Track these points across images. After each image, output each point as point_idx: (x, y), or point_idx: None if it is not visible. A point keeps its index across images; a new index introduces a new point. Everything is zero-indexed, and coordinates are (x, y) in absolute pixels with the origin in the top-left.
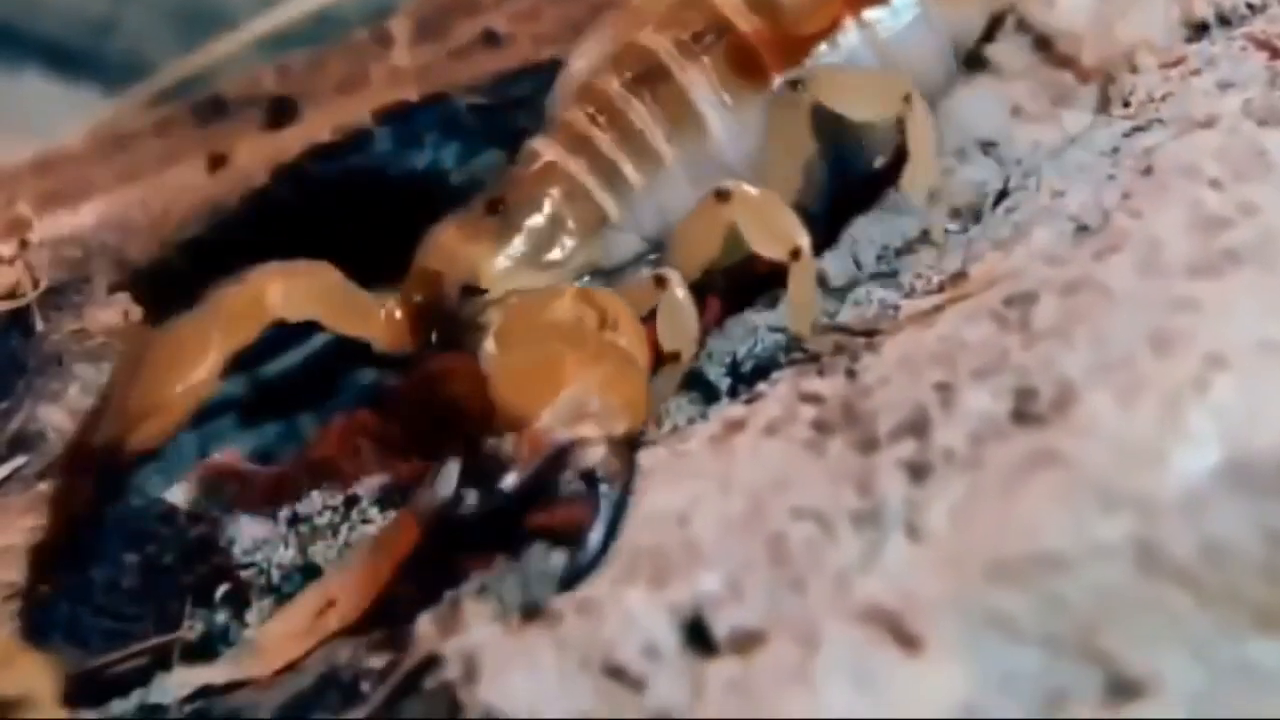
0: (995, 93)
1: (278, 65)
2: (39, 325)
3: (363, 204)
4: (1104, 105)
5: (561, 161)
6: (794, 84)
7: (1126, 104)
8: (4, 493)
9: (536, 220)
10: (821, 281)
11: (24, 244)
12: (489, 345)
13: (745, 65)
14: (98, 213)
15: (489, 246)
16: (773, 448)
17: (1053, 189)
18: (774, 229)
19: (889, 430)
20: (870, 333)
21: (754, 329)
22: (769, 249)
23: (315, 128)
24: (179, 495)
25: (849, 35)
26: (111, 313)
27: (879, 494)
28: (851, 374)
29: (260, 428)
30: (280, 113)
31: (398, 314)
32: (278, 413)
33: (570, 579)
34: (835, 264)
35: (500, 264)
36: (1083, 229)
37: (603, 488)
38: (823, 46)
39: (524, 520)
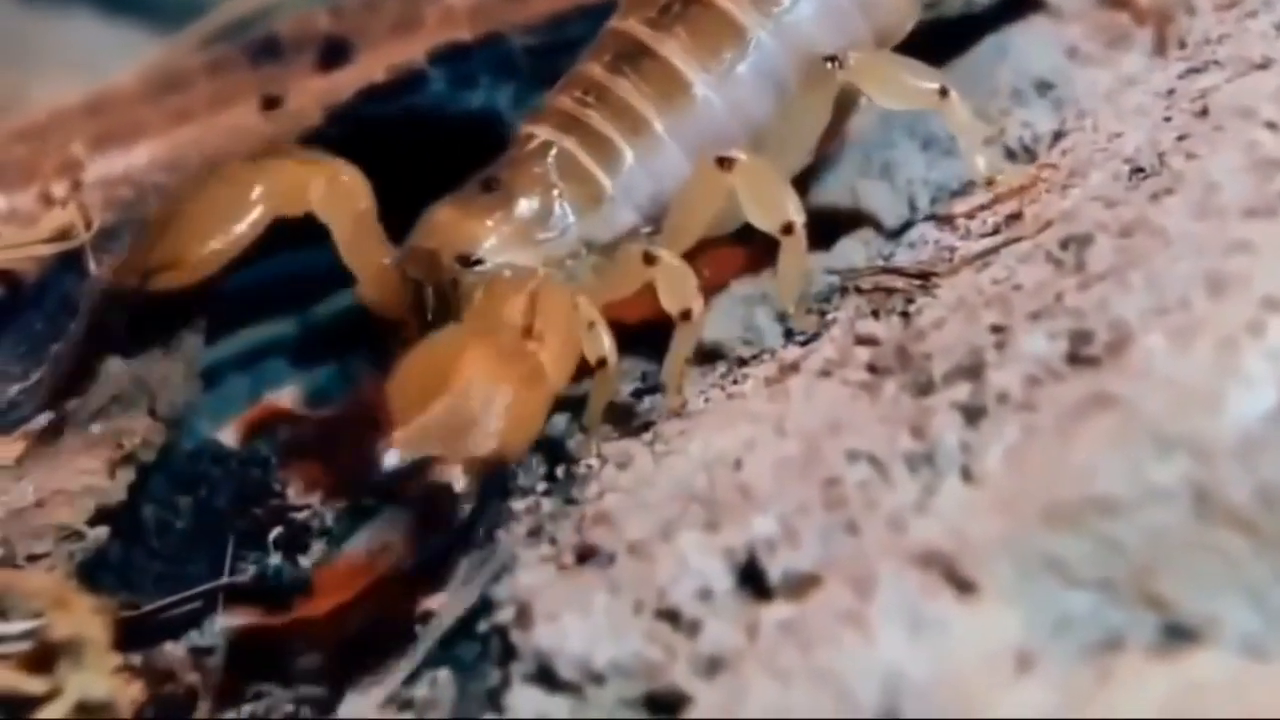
0: (1052, 34)
1: (332, 5)
2: (92, 267)
3: (417, 145)
4: (1160, 47)
5: (555, 140)
6: (831, 60)
7: (1183, 46)
8: (58, 435)
9: (532, 196)
10: (875, 223)
11: (77, 185)
12: (478, 303)
13: (717, 25)
14: (150, 153)
15: (484, 221)
16: (827, 390)
17: (1109, 131)
18: (770, 201)
19: (944, 373)
20: (925, 275)
21: (811, 270)
22: (762, 220)
23: (369, 69)
24: (231, 437)
25: None
26: None
27: (933, 437)
28: (906, 316)
29: (313, 370)
30: (334, 53)
31: (396, 278)
32: (330, 355)
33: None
34: (890, 206)
35: (495, 237)
36: (1138, 171)
37: (444, 510)
38: None
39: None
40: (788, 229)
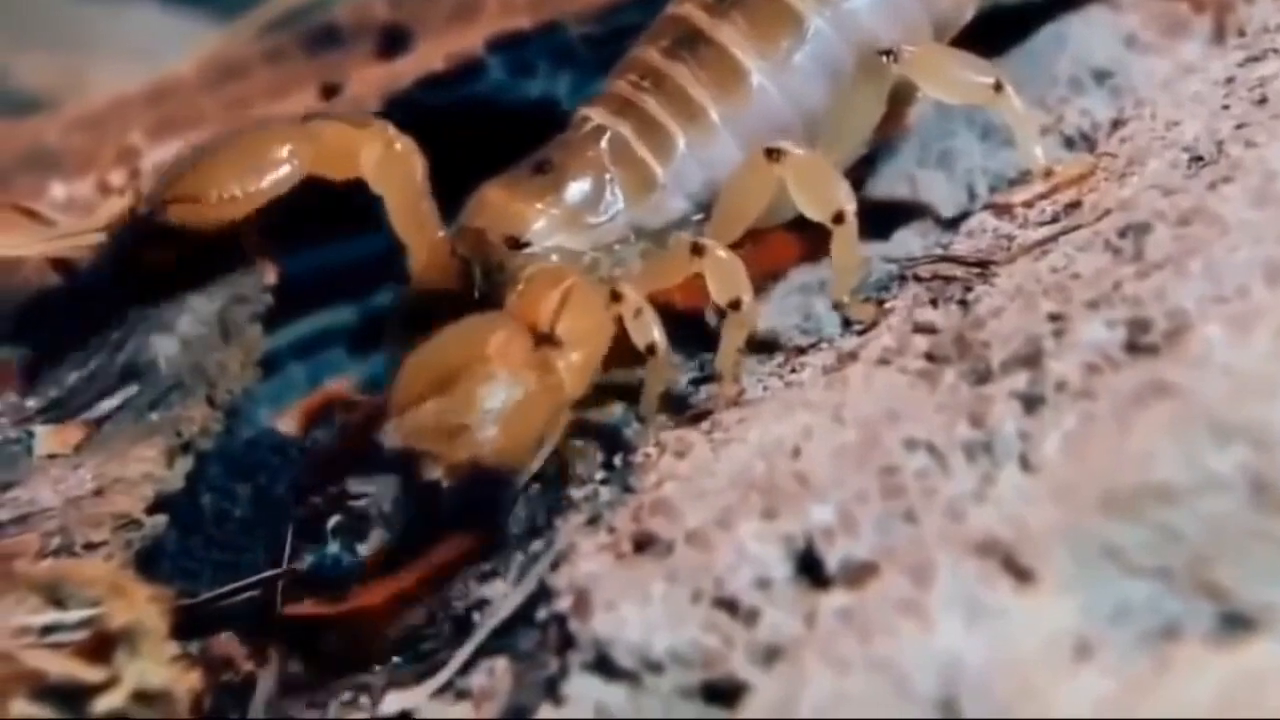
0: (1110, 23)
1: None
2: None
3: (475, 134)
4: (1219, 35)
5: (609, 124)
6: (885, 54)
7: (1241, 33)
8: (116, 422)
9: (583, 180)
10: (934, 212)
11: (135, 173)
12: (511, 298)
13: (775, 12)
14: None
15: (534, 204)
16: (885, 378)
17: (1167, 119)
18: (820, 191)
19: (1002, 361)
20: (983, 263)
21: (866, 259)
22: (813, 210)
23: (428, 57)
24: (290, 425)
25: None
26: None
27: (992, 425)
28: (965, 305)
29: (371, 358)
30: (393, 42)
31: (446, 254)
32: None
33: None
34: (948, 195)
35: (544, 220)
36: (1197, 159)
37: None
38: None
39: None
40: (838, 218)
